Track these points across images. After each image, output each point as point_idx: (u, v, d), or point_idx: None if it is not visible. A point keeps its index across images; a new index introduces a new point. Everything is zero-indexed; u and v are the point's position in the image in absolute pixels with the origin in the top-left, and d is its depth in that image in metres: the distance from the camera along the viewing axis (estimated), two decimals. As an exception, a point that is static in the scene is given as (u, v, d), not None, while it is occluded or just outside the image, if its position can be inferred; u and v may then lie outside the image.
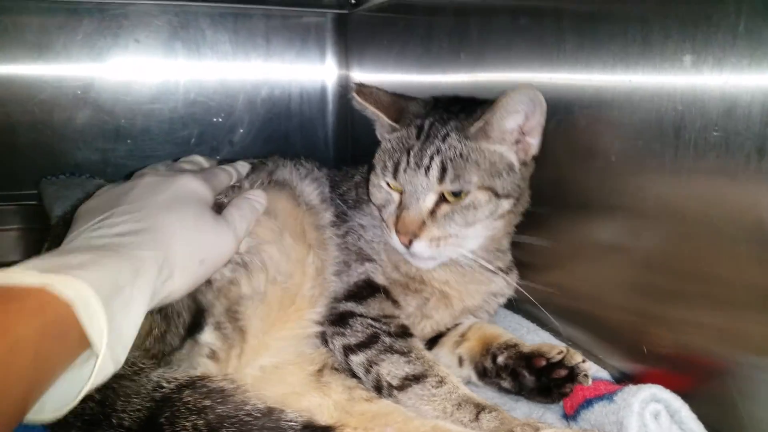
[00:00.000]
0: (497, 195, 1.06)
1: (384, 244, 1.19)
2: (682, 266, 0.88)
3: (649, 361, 0.95)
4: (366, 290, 1.15)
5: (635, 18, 0.89)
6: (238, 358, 0.97)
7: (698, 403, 0.85)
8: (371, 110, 1.17)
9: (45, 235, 1.25)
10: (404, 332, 1.09)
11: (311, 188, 1.25)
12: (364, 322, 1.08)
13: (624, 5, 0.92)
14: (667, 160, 0.86)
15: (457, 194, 1.05)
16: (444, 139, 1.07)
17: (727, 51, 0.75)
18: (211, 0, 1.88)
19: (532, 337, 1.15)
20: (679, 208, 0.86)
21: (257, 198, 1.07)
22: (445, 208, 1.06)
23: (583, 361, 1.00)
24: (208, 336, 0.94)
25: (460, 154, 1.05)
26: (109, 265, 0.73)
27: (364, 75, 1.97)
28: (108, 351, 0.69)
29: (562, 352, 1.02)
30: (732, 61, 0.75)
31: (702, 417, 0.83)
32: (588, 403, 0.92)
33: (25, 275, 0.66)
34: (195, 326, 0.94)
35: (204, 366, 0.91)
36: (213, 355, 0.93)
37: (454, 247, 1.08)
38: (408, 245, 1.06)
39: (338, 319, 1.10)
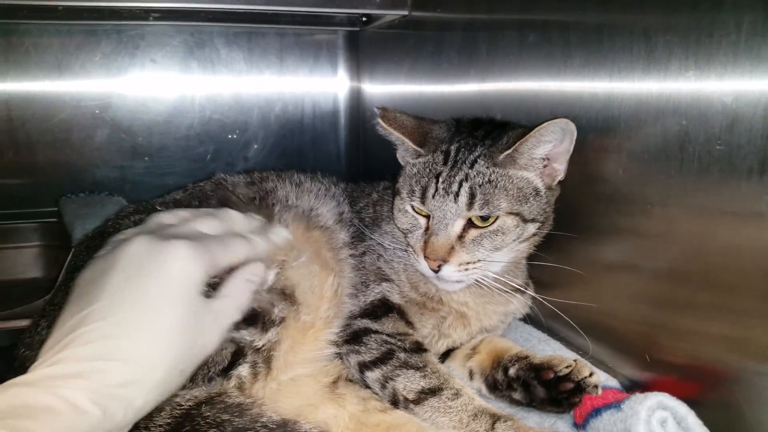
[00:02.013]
0: (524, 220, 1.06)
1: (404, 264, 1.19)
2: (688, 278, 0.89)
3: (658, 370, 0.96)
4: (381, 309, 1.16)
5: (639, 32, 0.90)
6: (262, 384, 0.97)
7: (706, 410, 0.86)
8: (396, 135, 1.15)
9: (64, 254, 1.29)
10: (419, 347, 1.10)
11: (326, 208, 1.25)
12: (379, 338, 1.09)
13: (627, 17, 0.94)
14: (672, 174, 0.87)
15: (485, 219, 1.05)
16: (472, 166, 1.06)
17: (728, 66, 0.77)
18: (225, 20, 1.92)
19: (543, 347, 1.16)
20: (684, 221, 0.88)
21: (255, 275, 0.96)
22: (473, 232, 1.06)
23: (591, 375, 1.01)
24: (241, 371, 0.94)
25: (489, 181, 1.05)
26: (67, 415, 0.68)
27: (375, 87, 2.00)
28: None
29: (570, 365, 1.03)
30: (733, 76, 0.76)
31: (709, 424, 0.84)
32: (596, 411, 0.93)
33: None
34: (230, 366, 0.94)
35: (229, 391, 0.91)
36: (240, 386, 0.94)
37: (481, 271, 1.08)
38: (437, 270, 1.06)
39: (353, 337, 1.11)
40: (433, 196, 1.07)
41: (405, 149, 1.18)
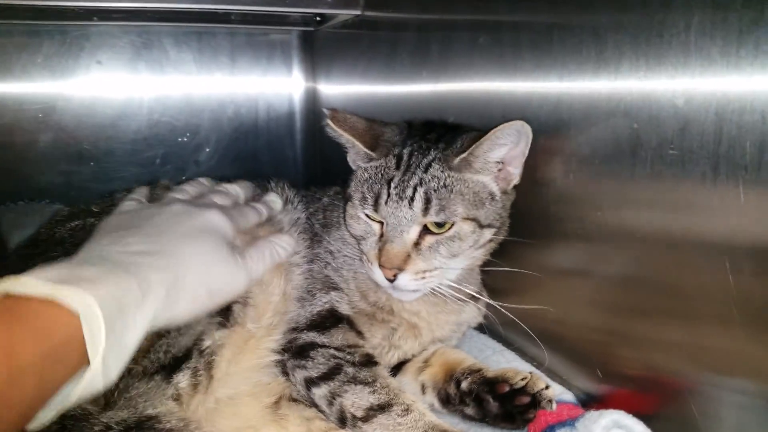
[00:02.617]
0: (481, 225, 1.03)
1: (353, 272, 1.16)
2: (641, 284, 0.87)
3: (613, 382, 0.94)
4: (329, 320, 1.12)
5: (589, 32, 0.87)
6: (201, 398, 0.94)
7: (661, 424, 0.83)
8: (346, 137, 1.11)
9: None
10: (369, 361, 1.06)
11: (284, 214, 1.22)
12: (326, 353, 1.05)
13: (578, 17, 0.91)
14: (624, 178, 0.84)
15: (440, 225, 1.02)
16: (426, 170, 1.03)
17: (679, 68, 0.74)
18: (174, 20, 1.84)
19: (497, 357, 1.13)
20: (637, 226, 0.85)
21: (282, 243, 1.09)
22: (429, 239, 1.02)
23: (546, 388, 0.99)
24: (181, 379, 0.92)
25: (444, 185, 1.01)
26: (118, 283, 0.74)
27: (331, 88, 1.95)
28: (102, 368, 0.70)
29: (525, 378, 1.00)
30: (684, 79, 0.74)
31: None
32: (550, 429, 0.91)
33: (38, 285, 0.68)
34: (171, 367, 0.92)
35: (164, 406, 0.88)
36: (178, 398, 0.91)
37: (438, 279, 1.05)
38: (392, 279, 1.03)
39: (299, 351, 1.07)
40: (386, 203, 1.03)
41: (356, 152, 1.14)
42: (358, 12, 1.61)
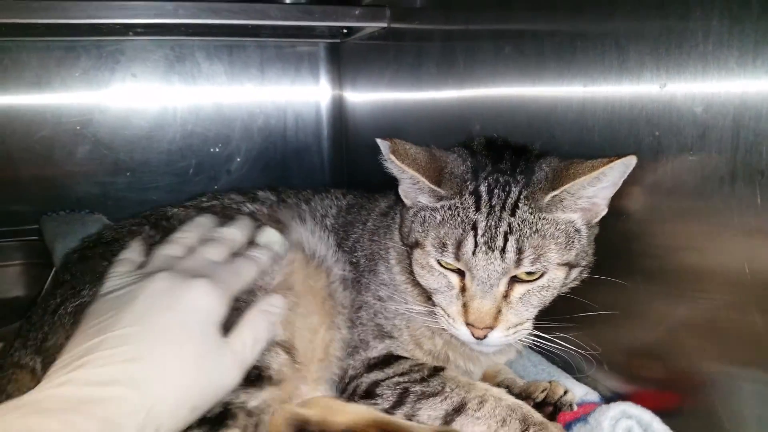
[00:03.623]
0: (570, 267, 0.93)
1: (406, 322, 1.07)
2: (663, 286, 0.89)
3: (638, 381, 0.96)
4: (391, 358, 1.06)
5: (611, 42, 0.91)
6: None
7: (685, 419, 0.86)
8: (410, 173, 0.93)
9: (46, 272, 1.27)
10: (436, 371, 1.02)
11: (323, 244, 1.15)
12: (391, 383, 1.00)
13: (599, 26, 0.94)
14: (646, 183, 0.87)
15: (531, 272, 0.91)
16: (513, 212, 0.90)
17: (698, 77, 0.77)
18: (206, 34, 1.92)
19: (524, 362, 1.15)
20: (658, 228, 0.88)
21: (274, 306, 0.95)
22: (519, 289, 0.91)
23: (565, 393, 1.01)
24: None
25: (536, 230, 0.89)
26: None
27: (357, 95, 2.00)
28: None
29: (545, 388, 1.02)
30: (703, 87, 0.76)
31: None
32: (567, 426, 0.94)
33: None
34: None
35: None
36: None
37: (527, 330, 0.95)
38: (482, 338, 0.92)
39: (366, 394, 1.02)
40: (474, 253, 0.89)
41: (418, 189, 0.97)
42: (385, 24, 1.65)
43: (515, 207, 0.90)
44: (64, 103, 1.85)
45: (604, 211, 0.93)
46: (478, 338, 0.92)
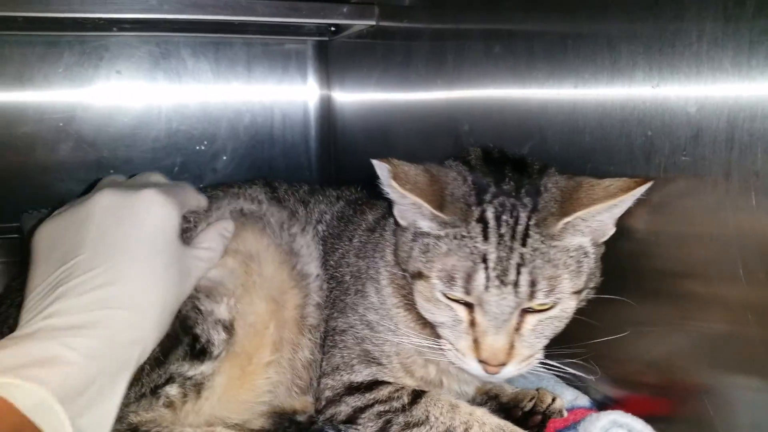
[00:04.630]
0: (581, 291, 0.88)
1: (396, 346, 1.01)
2: (653, 288, 0.88)
3: (629, 387, 0.95)
4: (374, 384, 1.02)
5: (603, 41, 0.90)
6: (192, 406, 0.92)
7: (678, 426, 0.86)
8: (412, 199, 0.87)
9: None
10: (417, 396, 0.97)
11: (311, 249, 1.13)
12: (372, 413, 0.97)
13: (591, 26, 0.93)
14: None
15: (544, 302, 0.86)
16: (524, 242, 0.84)
17: (691, 77, 0.76)
18: (192, 30, 1.88)
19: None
20: (651, 229, 0.87)
21: (227, 231, 0.98)
22: (530, 320, 0.86)
23: (554, 401, 1.00)
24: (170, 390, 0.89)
25: (549, 260, 0.84)
26: (78, 363, 0.67)
27: (346, 96, 1.98)
28: None
29: (533, 397, 1.02)
30: (697, 87, 0.76)
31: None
32: (556, 433, 0.93)
33: None
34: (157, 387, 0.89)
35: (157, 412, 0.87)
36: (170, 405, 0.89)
37: (539, 359, 0.91)
38: (496, 374, 0.88)
39: (347, 420, 0.99)
40: (486, 288, 0.84)
41: (419, 213, 0.90)
42: (373, 22, 1.64)
43: (525, 235, 0.84)
44: (46, 99, 1.81)
45: (612, 231, 0.89)
46: (491, 374, 0.88)
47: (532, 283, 0.83)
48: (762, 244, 0.71)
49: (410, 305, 0.98)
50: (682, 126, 0.78)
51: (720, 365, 0.80)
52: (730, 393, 0.79)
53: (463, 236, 0.86)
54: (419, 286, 0.91)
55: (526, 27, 1.09)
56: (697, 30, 0.74)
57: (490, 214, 0.86)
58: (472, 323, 0.87)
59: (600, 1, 0.92)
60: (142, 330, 0.76)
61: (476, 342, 0.87)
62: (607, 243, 0.92)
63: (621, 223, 0.89)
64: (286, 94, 2.09)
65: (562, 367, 0.92)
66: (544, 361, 0.91)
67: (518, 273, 0.83)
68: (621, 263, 0.92)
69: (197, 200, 1.03)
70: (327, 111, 2.10)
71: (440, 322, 0.91)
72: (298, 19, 1.65)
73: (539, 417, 0.99)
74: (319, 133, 2.14)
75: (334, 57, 2.03)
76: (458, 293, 0.86)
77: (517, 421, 0.98)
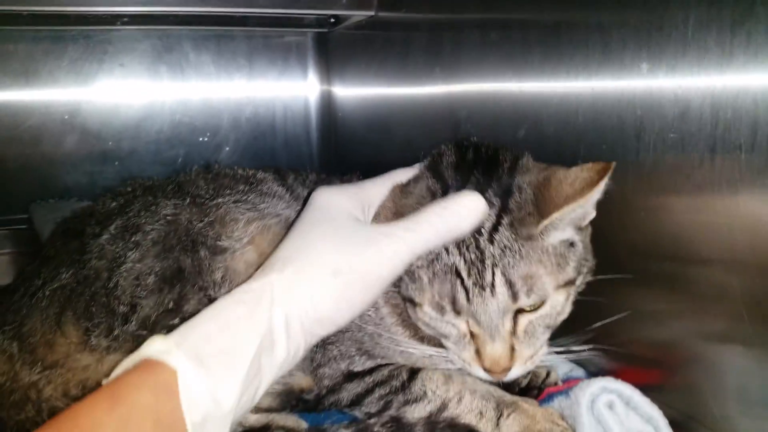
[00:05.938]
0: (571, 282, 0.89)
1: (396, 344, 1.02)
2: (644, 262, 0.92)
3: (623, 359, 0.99)
4: (374, 368, 1.04)
5: (595, 27, 0.93)
6: None
7: (670, 394, 0.89)
8: None
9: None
10: (413, 373, 1.00)
11: None
12: (374, 397, 0.99)
13: (583, 13, 0.97)
14: (629, 162, 0.90)
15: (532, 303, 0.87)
16: (491, 240, 0.85)
17: (678, 58, 0.80)
18: (193, 23, 1.92)
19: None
20: (640, 205, 0.90)
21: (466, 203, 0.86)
22: (523, 321, 0.87)
23: (548, 375, 1.04)
24: None
25: (522, 257, 0.84)
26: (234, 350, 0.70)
27: (346, 90, 2.01)
28: None
29: (528, 373, 1.04)
30: (683, 68, 0.79)
31: (674, 407, 0.88)
32: (549, 397, 0.97)
33: (180, 359, 0.65)
34: None
35: None
36: None
37: (543, 353, 0.92)
38: (503, 378, 0.90)
39: (350, 404, 1.02)
40: (469, 300, 0.85)
41: None
42: (372, 13, 1.67)
43: (493, 235, 0.85)
44: (51, 94, 1.84)
45: (592, 215, 0.91)
46: (498, 379, 0.90)
47: (510, 285, 0.84)
48: (746, 214, 0.75)
49: (408, 322, 1.00)
50: (669, 105, 0.82)
51: (709, 334, 0.84)
52: (718, 360, 0.83)
53: (437, 255, 0.87)
54: (417, 312, 0.93)
55: (521, 16, 1.12)
56: (683, 13, 0.78)
57: None
58: (473, 335, 0.89)
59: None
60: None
61: (479, 352, 0.88)
62: (596, 223, 0.95)
63: (610, 203, 0.92)
64: (287, 86, 2.12)
65: (569, 350, 0.96)
66: (551, 350, 0.94)
67: (493, 275, 0.84)
68: (613, 241, 0.96)
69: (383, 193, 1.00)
70: (327, 102, 2.13)
71: (444, 336, 0.93)
72: (298, 10, 1.68)
73: (536, 391, 1.02)
74: (320, 124, 2.17)
75: (333, 49, 2.06)
76: (451, 318, 0.88)
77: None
